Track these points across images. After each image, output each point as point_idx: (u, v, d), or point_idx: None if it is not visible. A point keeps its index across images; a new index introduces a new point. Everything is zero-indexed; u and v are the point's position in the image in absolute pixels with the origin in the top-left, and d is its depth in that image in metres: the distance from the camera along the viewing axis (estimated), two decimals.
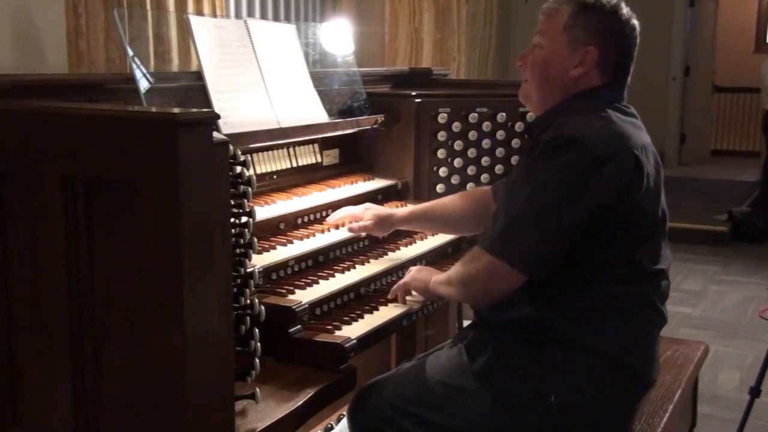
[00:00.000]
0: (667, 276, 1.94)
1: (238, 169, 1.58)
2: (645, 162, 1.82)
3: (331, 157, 2.66)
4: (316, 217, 2.38)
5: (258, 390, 1.62)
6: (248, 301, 1.63)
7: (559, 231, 1.76)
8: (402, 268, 2.30)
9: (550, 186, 1.75)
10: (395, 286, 2.11)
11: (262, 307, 1.65)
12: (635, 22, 1.93)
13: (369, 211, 2.33)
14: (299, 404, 1.67)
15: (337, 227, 2.32)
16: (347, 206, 2.39)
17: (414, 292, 2.10)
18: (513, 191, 1.84)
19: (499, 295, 1.84)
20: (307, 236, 2.21)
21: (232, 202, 1.57)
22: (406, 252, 2.39)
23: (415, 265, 2.37)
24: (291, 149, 2.47)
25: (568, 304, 1.83)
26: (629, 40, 1.92)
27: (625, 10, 1.92)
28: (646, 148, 1.86)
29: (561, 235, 1.76)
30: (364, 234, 2.33)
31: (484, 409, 1.85)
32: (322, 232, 2.27)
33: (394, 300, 2.10)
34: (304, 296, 1.93)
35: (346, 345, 1.80)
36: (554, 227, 1.75)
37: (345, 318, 1.94)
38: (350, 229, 2.29)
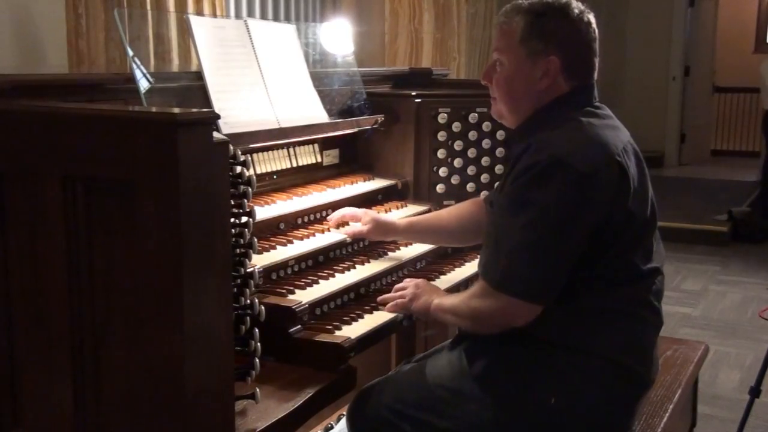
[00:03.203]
0: (661, 272, 1.93)
1: (238, 169, 1.58)
2: (628, 166, 1.80)
3: (331, 157, 2.66)
4: (316, 217, 2.38)
5: (258, 390, 1.62)
6: (248, 301, 1.63)
7: (562, 255, 1.75)
8: (402, 268, 2.30)
9: (545, 213, 1.73)
10: (392, 299, 2.04)
11: (262, 307, 1.65)
12: (589, 16, 1.88)
13: (367, 215, 2.32)
14: (299, 404, 1.67)
15: (337, 227, 2.32)
16: (347, 207, 2.39)
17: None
18: (507, 222, 1.80)
19: (518, 325, 1.80)
20: (307, 236, 2.21)
21: (232, 202, 1.57)
22: (406, 252, 2.39)
23: (414, 265, 2.37)
24: (291, 149, 2.47)
25: (564, 309, 1.82)
26: (588, 37, 1.88)
27: (575, 7, 1.87)
28: (627, 149, 1.84)
29: (565, 257, 1.76)
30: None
31: (484, 412, 1.84)
32: (322, 232, 2.27)
33: (384, 305, 2.04)
34: (304, 296, 1.93)
35: (346, 345, 1.80)
36: (557, 253, 1.74)
37: (345, 318, 1.94)
38: (347, 233, 2.28)
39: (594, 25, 1.90)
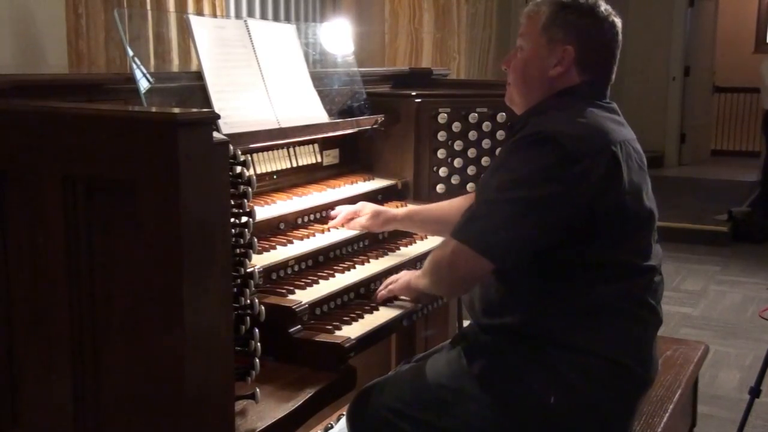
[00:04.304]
0: (659, 272, 1.93)
1: (238, 169, 1.58)
2: (623, 158, 1.80)
3: (331, 157, 2.66)
4: (316, 217, 2.38)
5: (258, 390, 1.62)
6: (248, 301, 1.63)
7: (526, 222, 1.75)
8: (402, 267, 2.30)
9: (521, 179, 1.75)
10: (379, 291, 2.10)
11: (262, 307, 1.65)
12: (615, 19, 1.92)
13: (366, 207, 2.36)
14: (299, 404, 1.67)
15: (343, 225, 2.33)
16: (343, 206, 2.40)
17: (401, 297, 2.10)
18: (484, 182, 1.87)
19: (468, 281, 1.85)
20: (307, 236, 2.21)
21: (232, 202, 1.57)
22: (406, 251, 2.39)
23: (415, 265, 2.37)
24: (291, 149, 2.47)
25: (561, 307, 1.82)
26: (608, 38, 1.92)
27: (603, 8, 1.91)
28: (627, 144, 1.84)
29: (528, 227, 1.75)
30: (361, 231, 2.34)
31: (484, 411, 1.84)
32: (322, 232, 2.27)
33: (382, 304, 2.07)
34: (304, 296, 1.93)
35: (346, 345, 1.80)
36: (521, 218, 1.75)
37: (345, 318, 1.94)
38: (349, 227, 2.31)
39: (618, 29, 1.93)
